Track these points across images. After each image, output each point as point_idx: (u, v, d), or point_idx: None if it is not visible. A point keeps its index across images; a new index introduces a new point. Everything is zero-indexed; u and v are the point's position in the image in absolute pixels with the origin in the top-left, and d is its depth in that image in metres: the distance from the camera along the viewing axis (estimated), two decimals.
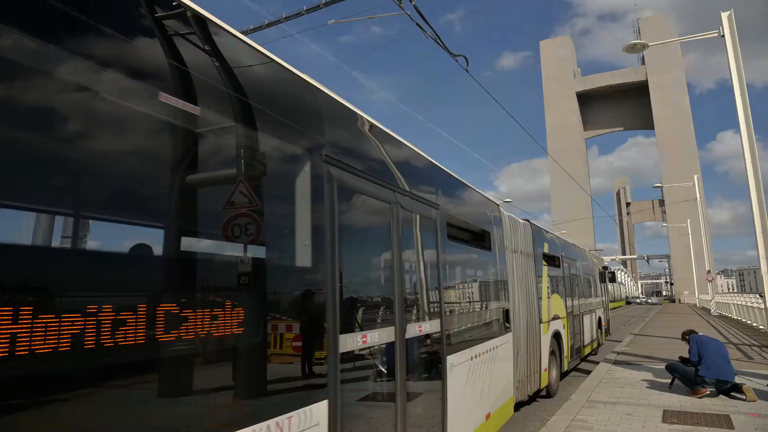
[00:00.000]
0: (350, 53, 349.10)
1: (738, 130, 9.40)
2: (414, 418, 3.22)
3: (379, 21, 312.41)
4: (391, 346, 3.00)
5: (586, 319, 10.45)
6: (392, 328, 3.03)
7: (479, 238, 5.27)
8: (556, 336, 7.75)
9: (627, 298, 69.11)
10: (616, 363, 9.65)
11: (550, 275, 7.74)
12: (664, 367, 7.48)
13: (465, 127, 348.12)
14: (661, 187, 59.73)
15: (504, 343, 5.40)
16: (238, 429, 1.77)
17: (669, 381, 7.24)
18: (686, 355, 6.97)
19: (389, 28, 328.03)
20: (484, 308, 5.32)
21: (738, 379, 6.71)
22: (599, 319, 12.21)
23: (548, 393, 7.39)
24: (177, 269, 1.75)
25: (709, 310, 31.99)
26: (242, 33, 2.13)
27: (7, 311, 1.17)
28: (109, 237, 1.60)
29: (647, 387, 7.31)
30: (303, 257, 2.33)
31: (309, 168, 2.41)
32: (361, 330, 2.76)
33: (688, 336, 7.12)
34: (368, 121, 3.17)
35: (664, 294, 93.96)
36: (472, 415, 4.35)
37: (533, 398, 6.95)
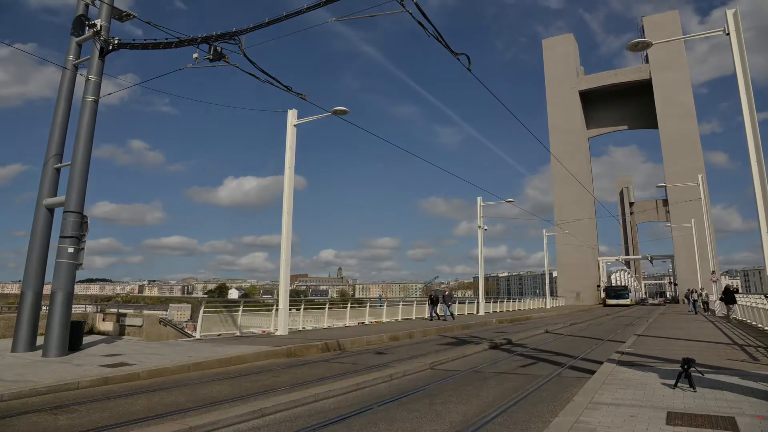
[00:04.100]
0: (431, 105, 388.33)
1: (743, 128, 9.32)
2: None
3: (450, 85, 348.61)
4: None
5: None
6: None
7: None
8: None
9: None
10: (620, 363, 9.59)
11: None
12: (667, 368, 7.38)
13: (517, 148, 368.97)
14: (665, 186, 59.49)
15: None
16: None
17: (673, 382, 7.19)
18: (691, 357, 6.89)
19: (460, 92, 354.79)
20: None
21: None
22: None
23: None
24: None
25: (713, 311, 31.82)
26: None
27: None
28: None
29: (651, 388, 7.25)
30: None
31: None
32: None
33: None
34: None
35: (667, 296, 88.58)
36: None
37: None
